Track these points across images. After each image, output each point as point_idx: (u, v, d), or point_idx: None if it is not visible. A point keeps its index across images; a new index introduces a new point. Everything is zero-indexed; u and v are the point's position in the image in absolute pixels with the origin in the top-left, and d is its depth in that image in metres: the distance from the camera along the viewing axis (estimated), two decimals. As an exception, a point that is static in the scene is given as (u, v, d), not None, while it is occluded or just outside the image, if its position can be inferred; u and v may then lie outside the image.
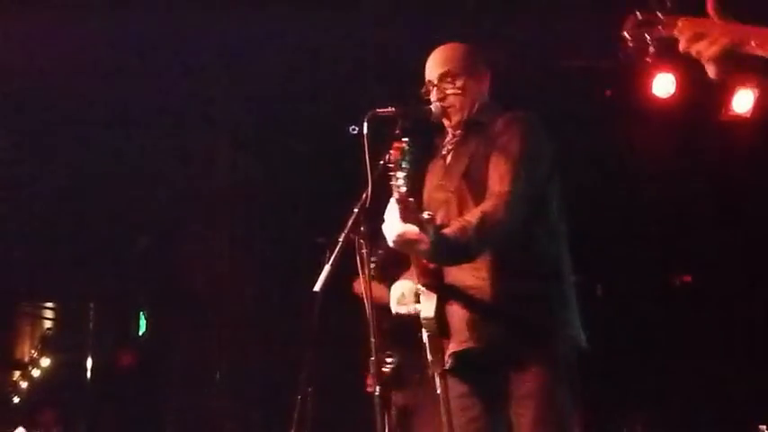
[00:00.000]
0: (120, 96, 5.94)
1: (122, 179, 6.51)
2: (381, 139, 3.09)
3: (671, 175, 6.30)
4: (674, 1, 2.23)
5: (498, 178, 3.03)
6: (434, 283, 3.15)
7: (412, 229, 2.87)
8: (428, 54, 3.33)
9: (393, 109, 3.12)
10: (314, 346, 4.73)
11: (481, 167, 3.12)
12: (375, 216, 3.03)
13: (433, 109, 3.23)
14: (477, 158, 3.15)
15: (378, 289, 4.32)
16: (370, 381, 4.53)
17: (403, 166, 2.87)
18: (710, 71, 2.21)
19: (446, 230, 2.94)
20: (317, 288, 2.99)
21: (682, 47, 2.23)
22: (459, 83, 3.23)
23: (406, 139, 2.96)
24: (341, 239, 3.01)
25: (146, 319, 6.81)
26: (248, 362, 6.50)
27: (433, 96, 3.23)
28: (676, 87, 6.25)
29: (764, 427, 5.18)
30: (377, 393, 2.95)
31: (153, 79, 5.80)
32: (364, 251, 3.02)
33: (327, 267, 3.00)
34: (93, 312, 7.30)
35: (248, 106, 6.17)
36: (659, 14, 2.30)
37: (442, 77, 3.24)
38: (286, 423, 4.87)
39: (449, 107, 3.23)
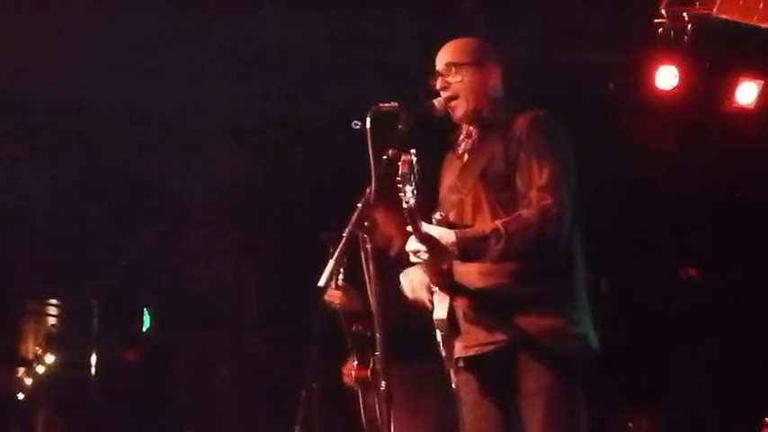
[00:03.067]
0: (123, 95, 5.94)
1: (127, 177, 6.50)
2: (384, 134, 3.11)
3: (675, 167, 6.28)
4: None
5: (538, 194, 3.00)
6: (446, 282, 3.13)
7: (435, 232, 2.93)
8: (435, 49, 3.35)
9: (396, 104, 3.12)
10: (318, 343, 4.74)
11: (499, 169, 3.10)
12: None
13: (436, 104, 3.23)
14: (495, 160, 3.12)
15: (348, 296, 4.43)
16: (347, 371, 4.61)
17: (411, 179, 2.85)
18: None
19: (467, 231, 2.98)
20: (320, 284, 2.98)
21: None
22: (463, 73, 3.20)
23: (413, 151, 2.93)
24: (344, 235, 3.01)
25: (150, 316, 6.82)
26: (252, 358, 6.51)
27: (438, 85, 3.22)
28: (679, 79, 6.24)
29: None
30: (383, 389, 2.97)
31: (153, 78, 5.80)
32: (368, 246, 3.03)
33: (331, 263, 2.99)
34: (98, 309, 7.30)
35: (249, 103, 6.15)
36: None
37: (447, 67, 3.23)
38: (290, 419, 4.89)
39: (452, 98, 3.22)
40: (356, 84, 5.59)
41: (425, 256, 2.96)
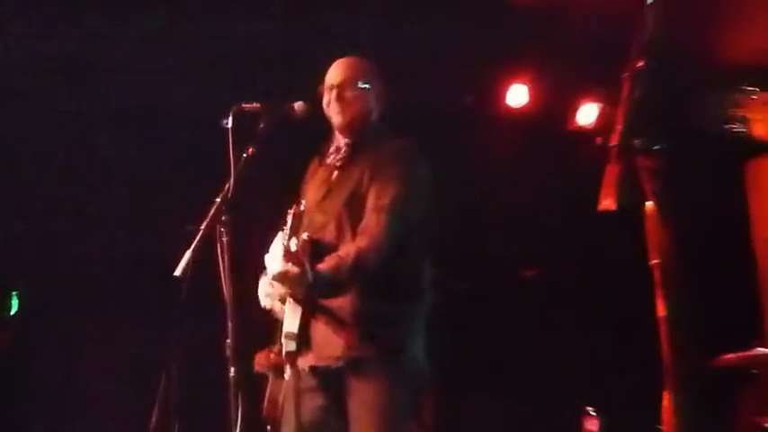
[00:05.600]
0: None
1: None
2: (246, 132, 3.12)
3: (522, 178, 6.41)
4: None
5: (376, 216, 3.13)
6: (306, 299, 3.18)
7: (293, 269, 3.00)
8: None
9: (257, 104, 3.15)
10: (180, 329, 4.67)
11: (361, 199, 3.19)
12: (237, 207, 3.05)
13: (296, 107, 3.27)
14: (359, 189, 3.21)
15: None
16: (258, 360, 4.53)
17: (299, 230, 3.06)
18: None
19: (322, 267, 3.07)
20: (176, 273, 2.96)
21: None
22: (353, 89, 3.31)
23: (304, 202, 3.15)
24: (202, 228, 3.01)
25: (18, 299, 6.56)
26: (120, 342, 6.32)
27: (332, 95, 3.31)
28: (529, 98, 6.42)
29: (591, 408, 5.38)
30: (231, 375, 2.96)
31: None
32: (225, 239, 3.01)
33: (188, 254, 2.98)
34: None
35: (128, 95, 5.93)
36: None
37: (344, 81, 3.32)
38: (152, 403, 4.79)
39: (339, 109, 3.30)
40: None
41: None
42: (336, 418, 3.19)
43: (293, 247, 2.97)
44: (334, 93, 3.31)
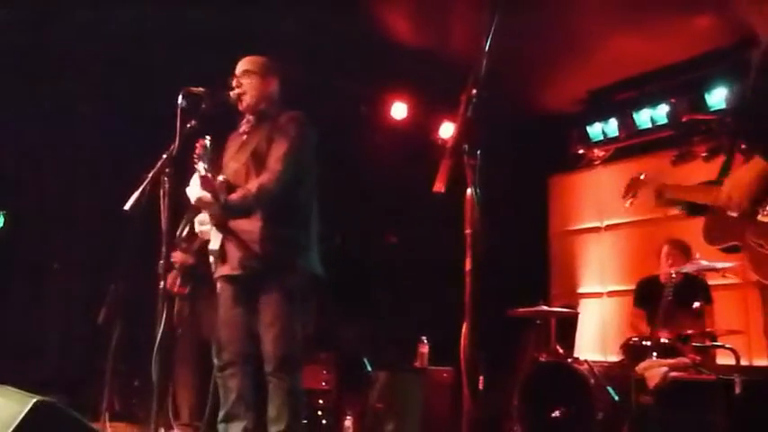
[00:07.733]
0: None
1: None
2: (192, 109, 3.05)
3: (397, 172, 6.43)
4: None
5: (275, 159, 3.16)
6: (221, 223, 3.21)
7: (207, 195, 3.03)
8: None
9: (202, 89, 3.11)
10: (129, 250, 4.48)
11: (263, 149, 3.21)
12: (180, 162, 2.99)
13: (230, 95, 3.28)
14: (262, 143, 3.23)
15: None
16: (171, 278, 4.40)
17: (205, 158, 2.96)
18: None
19: (232, 196, 3.08)
20: (126, 207, 2.89)
21: None
22: (251, 79, 3.31)
23: (209, 138, 3.02)
24: (150, 175, 2.95)
25: (3, 217, 6.19)
26: (83, 257, 6.03)
27: (234, 83, 3.30)
28: (407, 113, 6.48)
29: (425, 338, 5.41)
30: (160, 287, 2.91)
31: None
32: (166, 186, 2.95)
33: (136, 194, 2.92)
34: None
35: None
36: None
37: (242, 73, 3.32)
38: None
39: (241, 94, 3.30)
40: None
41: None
42: (249, 318, 3.19)
43: (203, 172, 2.92)
44: (234, 80, 3.30)
